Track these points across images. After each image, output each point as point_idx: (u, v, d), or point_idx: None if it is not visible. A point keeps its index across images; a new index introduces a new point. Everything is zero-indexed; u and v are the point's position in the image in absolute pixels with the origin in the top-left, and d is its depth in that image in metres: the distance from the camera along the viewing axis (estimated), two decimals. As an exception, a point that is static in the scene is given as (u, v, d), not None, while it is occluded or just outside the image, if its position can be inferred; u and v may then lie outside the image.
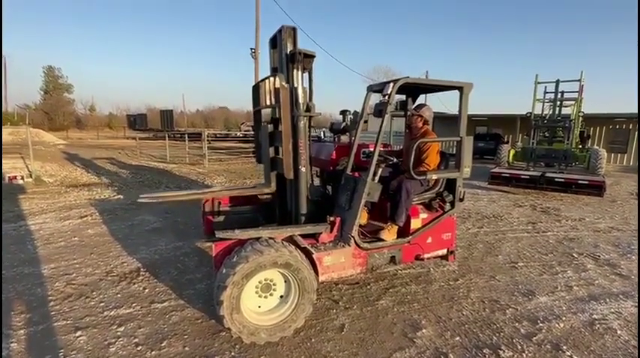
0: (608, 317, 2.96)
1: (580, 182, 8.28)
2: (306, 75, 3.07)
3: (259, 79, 3.55)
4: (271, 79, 3.09)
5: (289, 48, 3.03)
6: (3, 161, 10.60)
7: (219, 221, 3.78)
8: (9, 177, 8.15)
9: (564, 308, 3.11)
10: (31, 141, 9.86)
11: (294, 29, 3.05)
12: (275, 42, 3.26)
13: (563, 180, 8.45)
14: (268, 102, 3.17)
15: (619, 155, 16.47)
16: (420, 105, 3.47)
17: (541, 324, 2.83)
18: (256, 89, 3.44)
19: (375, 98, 3.23)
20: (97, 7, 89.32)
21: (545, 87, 11.24)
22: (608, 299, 3.28)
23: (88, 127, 45.03)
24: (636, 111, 15.72)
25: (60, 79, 45.12)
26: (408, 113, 3.45)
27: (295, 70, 2.98)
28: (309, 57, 3.01)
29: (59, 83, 44.92)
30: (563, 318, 2.93)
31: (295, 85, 2.99)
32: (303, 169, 3.06)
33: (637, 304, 3.20)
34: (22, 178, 8.21)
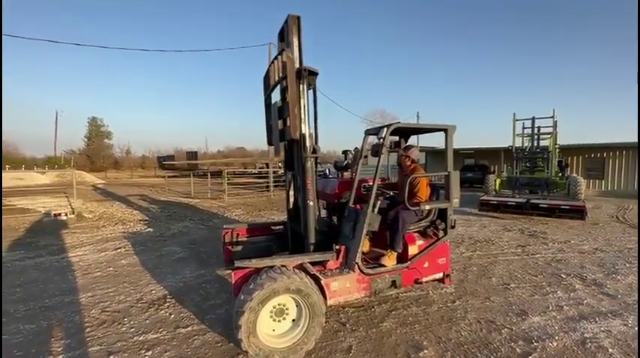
0: (598, 336, 2.83)
1: (563, 207, 8.15)
2: (311, 92, 3.10)
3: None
4: (279, 57, 3.05)
5: (294, 34, 3.00)
6: (50, 199, 10.89)
7: (238, 250, 3.79)
8: (54, 213, 8.32)
9: (556, 327, 2.99)
10: (75, 181, 10.15)
11: (298, 17, 3.03)
12: (282, 35, 3.24)
13: (547, 205, 8.33)
14: (277, 78, 3.13)
15: (596, 181, 16.23)
16: (408, 147, 3.57)
17: (535, 344, 2.71)
18: (267, 77, 3.43)
19: (373, 138, 3.34)
20: (134, 65, 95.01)
21: (523, 123, 11.38)
22: (597, 318, 3.14)
23: (123, 168, 46.15)
24: (608, 141, 15.73)
25: (101, 127, 47.10)
26: (399, 153, 3.55)
27: (301, 86, 3.00)
28: (313, 74, 3.02)
29: (101, 131, 46.82)
30: (556, 337, 2.80)
31: (301, 97, 2.99)
32: (311, 203, 3.11)
33: (627, 322, 3.06)
34: (66, 215, 8.38)
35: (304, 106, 3.07)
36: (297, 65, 3.04)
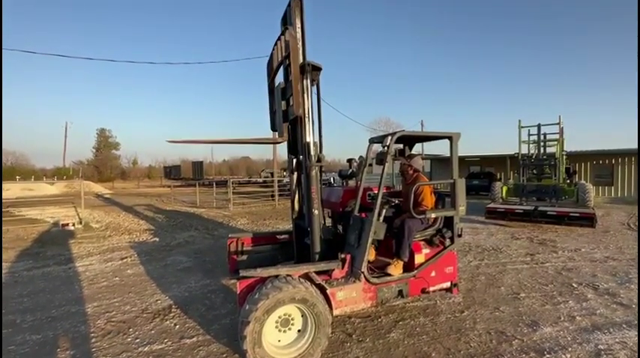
0: (613, 347, 2.74)
1: (572, 214, 8.02)
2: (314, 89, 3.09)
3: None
4: (282, 36, 3.01)
5: (297, 15, 2.98)
6: (58, 209, 11.02)
7: (243, 260, 3.79)
8: (62, 224, 8.40)
9: (569, 338, 2.90)
10: (82, 192, 10.27)
11: (300, 0, 3.03)
12: (286, 20, 3.22)
13: (555, 213, 8.20)
14: (280, 58, 3.10)
15: (606, 188, 15.97)
16: (411, 156, 3.56)
17: (548, 355, 2.63)
18: (270, 62, 3.41)
19: (378, 146, 3.34)
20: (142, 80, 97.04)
21: (529, 130, 11.32)
22: (611, 329, 3.05)
23: (130, 178, 46.70)
24: (616, 148, 15.54)
25: (110, 138, 47.94)
26: (401, 162, 3.54)
27: (305, 80, 2.99)
28: (317, 69, 3.00)
29: (109, 142, 47.63)
30: (570, 349, 2.72)
31: (305, 93, 2.96)
32: (316, 212, 3.10)
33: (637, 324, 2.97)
34: (73, 225, 8.44)
35: (308, 108, 3.06)
36: (299, 45, 3.03)
